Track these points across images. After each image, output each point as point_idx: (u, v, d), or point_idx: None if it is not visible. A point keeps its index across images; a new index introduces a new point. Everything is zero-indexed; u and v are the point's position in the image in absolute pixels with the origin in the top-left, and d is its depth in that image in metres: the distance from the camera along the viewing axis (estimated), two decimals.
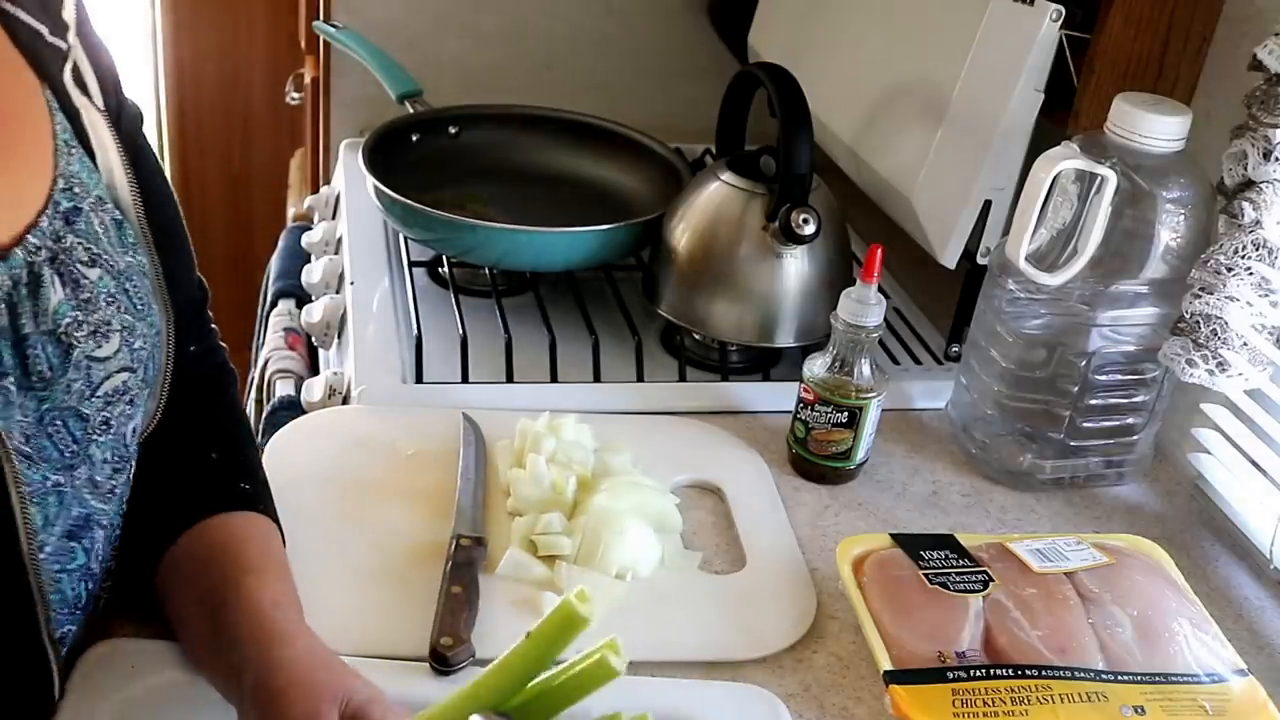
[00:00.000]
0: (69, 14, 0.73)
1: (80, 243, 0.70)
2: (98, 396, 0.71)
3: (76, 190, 0.71)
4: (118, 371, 0.72)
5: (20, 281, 0.66)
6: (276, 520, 0.82)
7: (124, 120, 0.78)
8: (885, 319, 1.01)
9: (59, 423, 0.69)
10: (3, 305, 0.65)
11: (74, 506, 0.71)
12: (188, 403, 0.82)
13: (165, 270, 0.78)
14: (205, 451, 0.83)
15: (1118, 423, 1.04)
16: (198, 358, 0.86)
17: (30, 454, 0.66)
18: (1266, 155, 0.89)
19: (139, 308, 0.74)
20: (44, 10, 0.72)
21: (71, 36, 0.73)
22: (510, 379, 1.12)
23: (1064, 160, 0.94)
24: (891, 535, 0.92)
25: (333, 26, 1.47)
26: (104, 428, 0.71)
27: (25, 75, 0.70)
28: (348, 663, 0.72)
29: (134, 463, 0.78)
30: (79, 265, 0.69)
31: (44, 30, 0.71)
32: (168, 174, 2.52)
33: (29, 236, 0.67)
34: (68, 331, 0.68)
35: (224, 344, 0.91)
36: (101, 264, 0.71)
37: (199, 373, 0.86)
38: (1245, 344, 0.94)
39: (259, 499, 0.82)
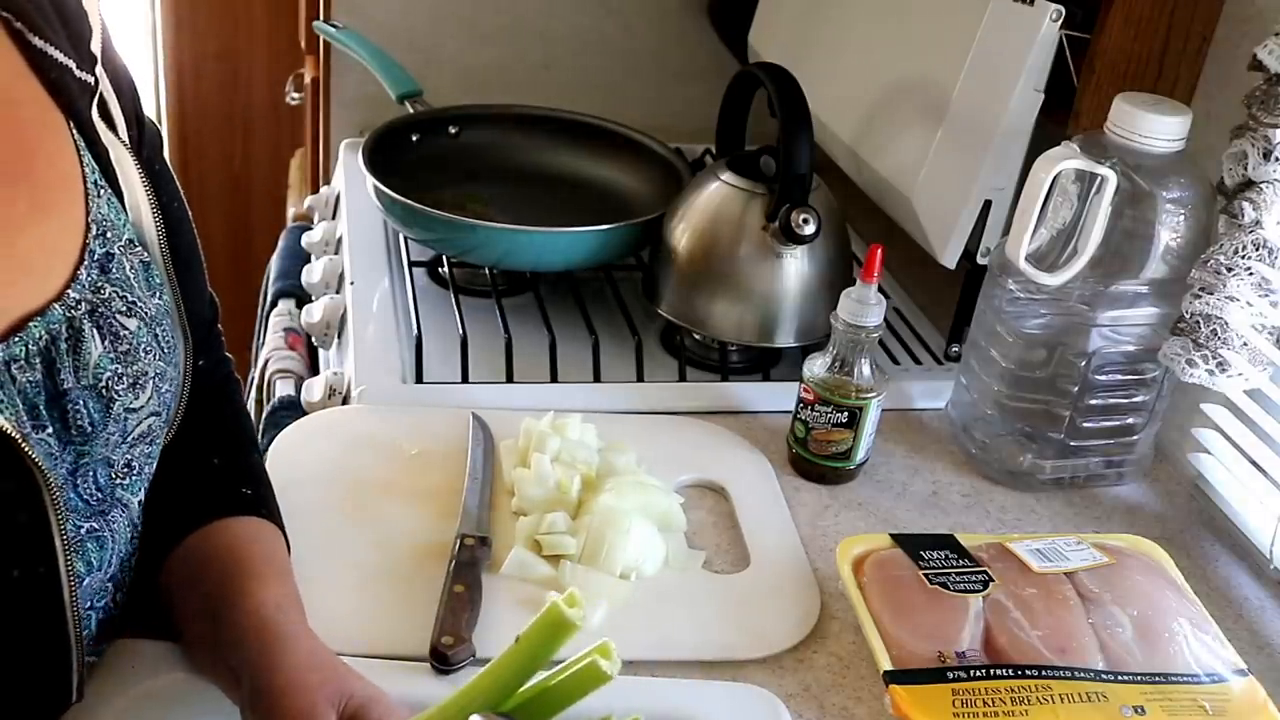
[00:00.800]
0: (96, 45, 0.70)
1: (116, 292, 0.68)
2: (126, 443, 0.70)
3: (109, 235, 0.69)
4: (147, 417, 0.71)
5: (59, 337, 0.64)
6: (280, 525, 0.81)
7: (145, 145, 0.76)
8: (885, 319, 1.01)
9: (89, 472, 0.68)
10: (38, 360, 0.63)
11: (123, 549, 0.71)
12: (193, 414, 0.81)
13: (186, 295, 0.77)
14: (208, 457, 0.82)
15: (1118, 423, 1.04)
16: (207, 371, 0.84)
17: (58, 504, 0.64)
18: (1266, 155, 0.89)
19: (167, 351, 0.72)
20: (73, 44, 0.68)
21: (99, 69, 0.70)
22: (510, 379, 1.12)
23: (1064, 160, 0.94)
24: (891, 535, 0.92)
25: (333, 26, 1.47)
26: (127, 470, 0.71)
27: (52, 115, 0.67)
28: (349, 662, 0.72)
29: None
30: (118, 316, 0.68)
31: (72, 65, 0.68)
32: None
33: (69, 291, 0.65)
34: (109, 385, 0.67)
35: (230, 355, 0.91)
36: (137, 313, 0.69)
37: (208, 385, 0.85)
38: (1245, 344, 0.94)
39: (262, 504, 0.81)
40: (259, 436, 1.22)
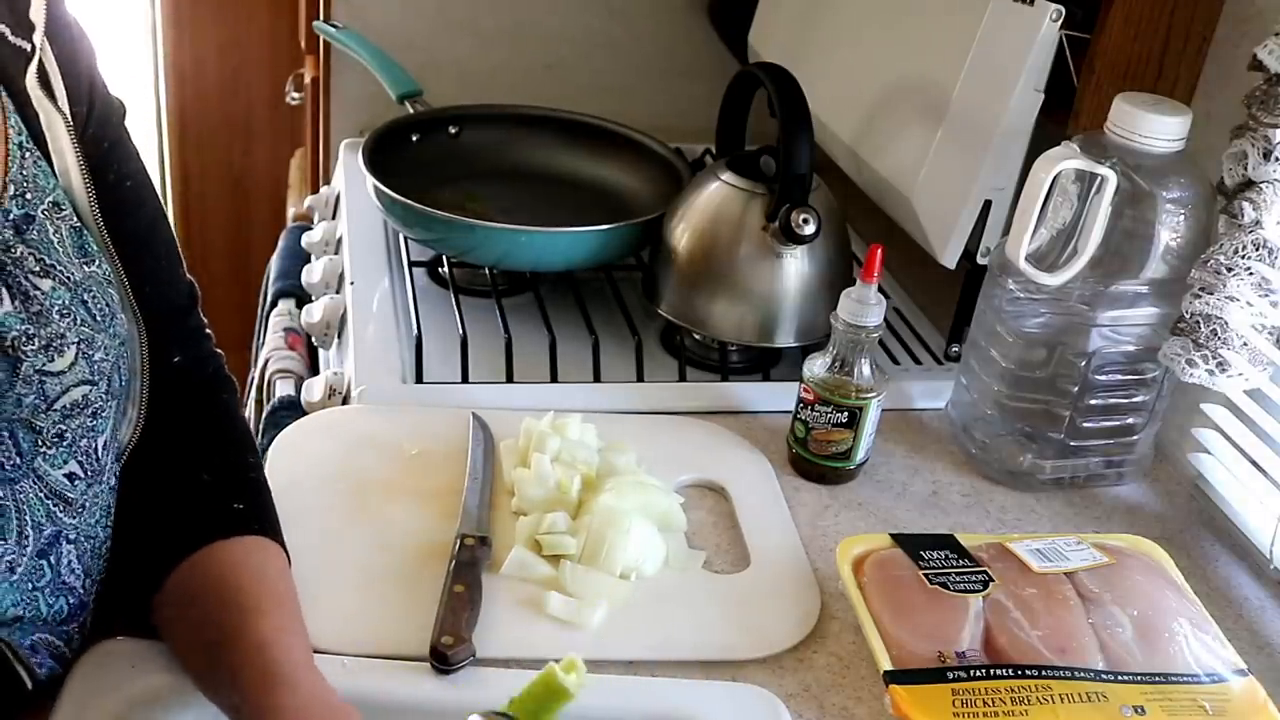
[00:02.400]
0: (37, 14, 0.70)
1: (32, 253, 0.67)
2: (54, 410, 0.68)
3: (29, 196, 0.68)
4: (75, 385, 0.69)
5: None
6: (277, 536, 0.79)
7: (94, 121, 0.75)
8: (885, 319, 1.01)
9: (4, 435, 0.67)
10: None
11: (38, 522, 0.69)
12: (179, 417, 0.80)
13: (136, 277, 0.76)
14: (197, 472, 0.80)
15: (1118, 423, 1.04)
16: (187, 368, 0.83)
17: None
18: (1266, 155, 0.89)
19: (99, 319, 0.71)
20: (9, 9, 0.69)
21: (38, 37, 0.70)
22: (510, 379, 1.12)
23: (1064, 160, 0.94)
24: (891, 535, 0.92)
25: (333, 26, 1.47)
26: (57, 440, 0.69)
27: None
28: (349, 662, 0.71)
29: (113, 475, 0.76)
30: (30, 276, 0.67)
31: (5, 30, 0.69)
32: (167, 175, 2.50)
33: None
34: (15, 345, 0.66)
35: (220, 350, 0.89)
36: (55, 275, 0.68)
37: (191, 384, 0.83)
38: (1245, 344, 0.94)
39: (255, 519, 0.79)
40: (259, 437, 1.22)
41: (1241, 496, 1.01)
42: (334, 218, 1.46)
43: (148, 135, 2.52)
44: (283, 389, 1.30)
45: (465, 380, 1.11)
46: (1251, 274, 0.92)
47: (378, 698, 0.75)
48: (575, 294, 1.23)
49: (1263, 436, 0.99)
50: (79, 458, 0.72)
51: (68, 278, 0.69)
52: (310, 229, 1.47)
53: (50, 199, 0.70)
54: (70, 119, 0.72)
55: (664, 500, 0.95)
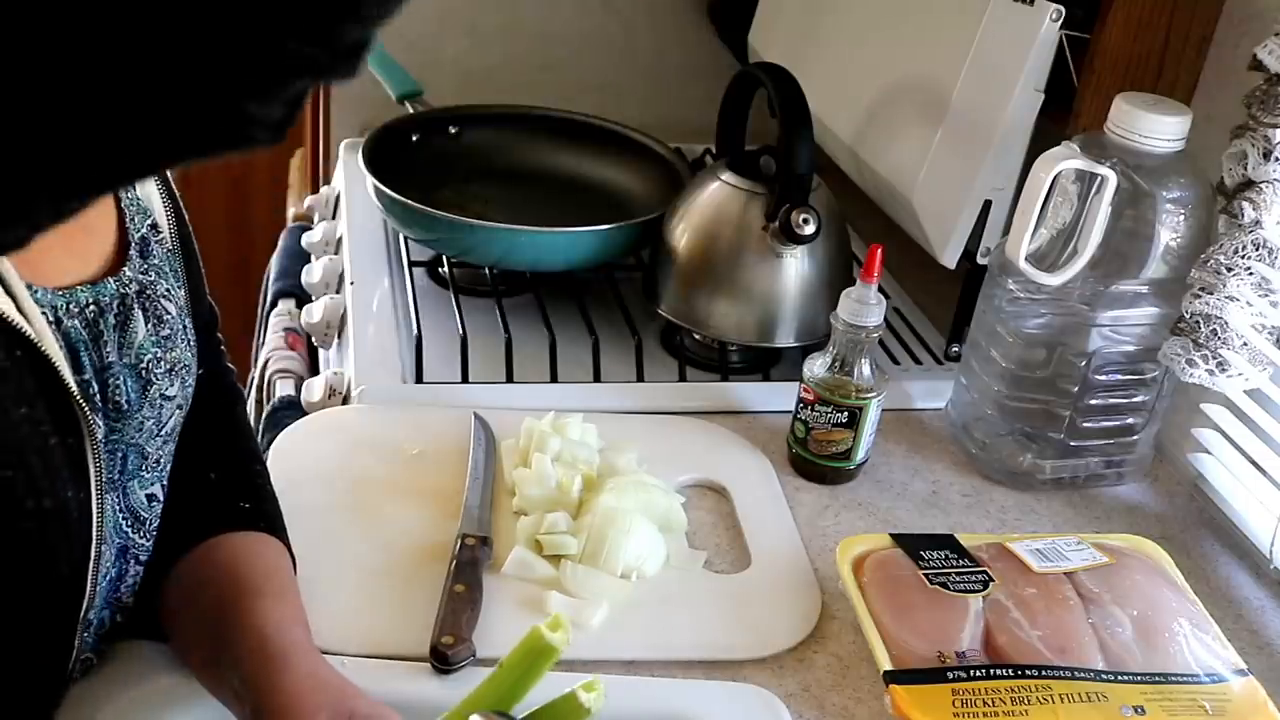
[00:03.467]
0: None
1: (158, 276, 0.68)
2: (161, 434, 0.69)
3: (138, 219, 0.69)
4: (177, 409, 0.70)
5: (109, 310, 0.65)
6: (284, 539, 0.80)
7: None
8: (885, 319, 1.01)
9: (119, 457, 0.68)
10: (85, 331, 0.64)
11: (114, 536, 0.70)
12: (191, 425, 0.80)
13: (190, 297, 0.76)
14: (205, 471, 0.80)
15: (1118, 423, 1.04)
16: (205, 380, 0.83)
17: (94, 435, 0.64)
18: (1266, 155, 0.89)
19: (192, 342, 0.72)
20: None
21: None
22: (510, 379, 1.12)
23: (1064, 160, 0.94)
24: (891, 535, 0.93)
25: None
26: (155, 465, 0.71)
27: None
28: (350, 662, 0.71)
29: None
30: (161, 300, 0.68)
31: None
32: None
33: (124, 269, 0.66)
34: (149, 367, 0.67)
35: (232, 365, 0.90)
36: (174, 299, 0.69)
37: (207, 394, 0.83)
38: (1245, 344, 0.94)
39: (261, 517, 0.79)
40: (259, 437, 1.22)
41: (1241, 496, 1.01)
42: (334, 218, 1.46)
43: None
44: (283, 389, 1.30)
45: (465, 380, 1.11)
46: (1251, 274, 0.92)
47: (378, 697, 0.75)
48: (575, 294, 1.23)
49: (1263, 436, 0.99)
50: (163, 481, 0.73)
51: (178, 302, 0.70)
52: (310, 229, 1.47)
53: (150, 219, 0.71)
54: None
55: (665, 500, 0.95)
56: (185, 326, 0.71)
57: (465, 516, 0.92)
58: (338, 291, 1.30)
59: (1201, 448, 1.06)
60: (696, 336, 1.19)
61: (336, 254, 1.37)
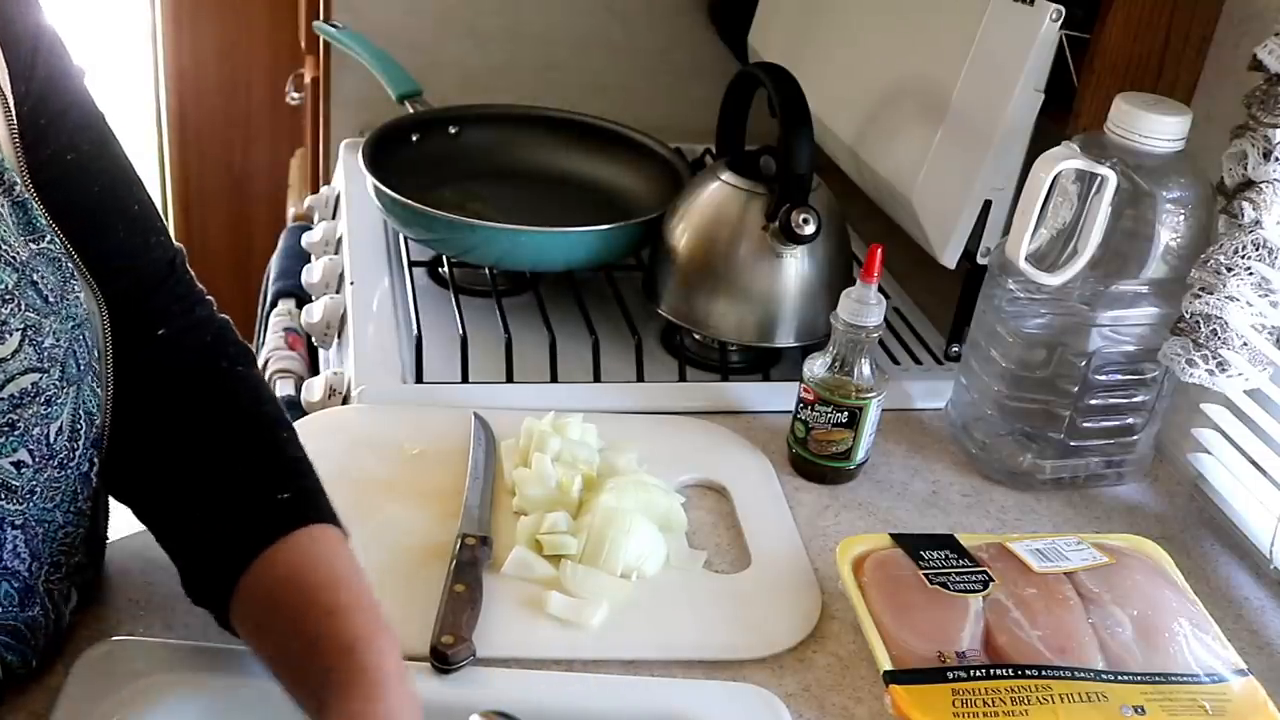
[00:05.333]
0: None
1: None
2: (2, 400, 0.66)
3: None
4: (23, 373, 0.67)
5: None
6: (331, 517, 0.75)
7: (34, 93, 0.72)
8: (885, 319, 1.01)
9: None
10: None
11: None
12: (190, 398, 0.77)
13: (96, 252, 0.72)
14: (233, 465, 0.76)
15: (1118, 423, 1.04)
16: (177, 339, 0.79)
17: None
18: (1266, 155, 0.89)
19: (50, 300, 0.68)
20: None
21: None
22: (510, 379, 1.12)
23: (1064, 160, 0.94)
24: (891, 535, 0.93)
25: (333, 26, 1.47)
26: (9, 429, 0.67)
27: None
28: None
29: (86, 460, 0.73)
30: None
31: None
32: (167, 175, 2.49)
33: None
34: None
35: (225, 315, 0.83)
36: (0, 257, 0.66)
37: (189, 357, 0.79)
38: (1245, 344, 0.94)
39: (305, 506, 0.75)
40: None
41: (1241, 496, 1.01)
42: (334, 218, 1.46)
43: (148, 135, 2.53)
44: (283, 389, 1.30)
45: (465, 380, 1.11)
46: (1251, 274, 0.92)
47: None
48: (575, 294, 1.23)
49: (1263, 436, 0.99)
50: (30, 445, 0.69)
51: (13, 258, 0.67)
52: (310, 229, 1.47)
53: None
54: (7, 93, 0.70)
55: (665, 500, 0.95)
56: (35, 283, 0.67)
57: (465, 516, 0.92)
58: (338, 291, 1.30)
59: (1201, 448, 1.06)
60: (696, 336, 1.19)
61: (336, 254, 1.37)
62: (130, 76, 2.50)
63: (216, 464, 0.76)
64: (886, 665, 0.81)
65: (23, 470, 0.69)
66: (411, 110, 1.36)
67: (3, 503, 0.69)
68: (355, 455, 0.99)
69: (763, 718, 0.79)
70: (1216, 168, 0.94)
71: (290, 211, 1.97)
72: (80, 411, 0.72)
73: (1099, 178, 0.94)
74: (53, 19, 0.75)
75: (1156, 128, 0.94)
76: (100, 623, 0.81)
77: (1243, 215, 0.91)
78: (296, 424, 0.98)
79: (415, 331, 1.13)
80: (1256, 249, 0.91)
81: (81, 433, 0.73)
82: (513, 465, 0.98)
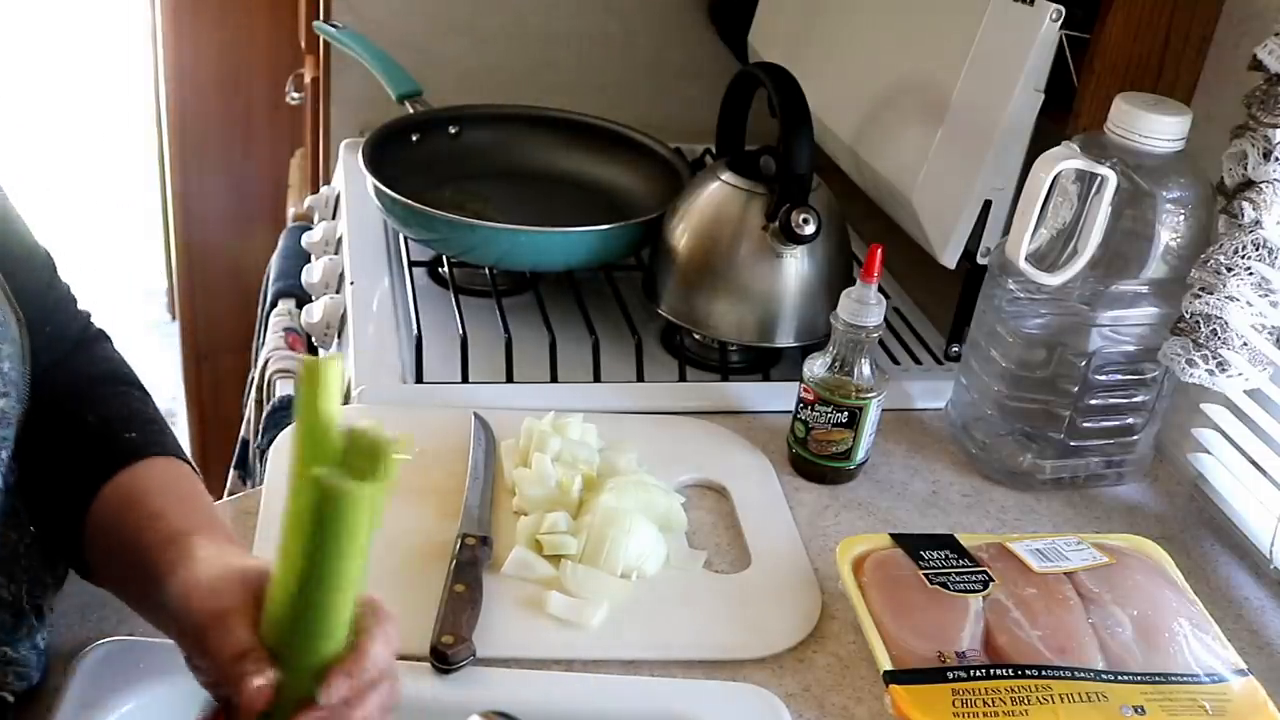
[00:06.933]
0: None
1: None
2: None
3: None
4: None
5: None
6: (180, 456, 0.77)
7: None
8: (885, 319, 1.01)
9: None
10: None
11: None
12: (59, 379, 0.78)
13: (5, 269, 0.73)
14: (83, 418, 0.78)
15: (1118, 423, 1.04)
16: (58, 335, 0.81)
17: None
18: (1266, 155, 0.89)
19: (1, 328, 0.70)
20: None
21: None
22: (510, 379, 1.12)
23: (1064, 160, 0.94)
24: (891, 535, 0.93)
25: (333, 26, 1.47)
26: None
27: None
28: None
29: (9, 475, 0.73)
30: None
31: None
32: (167, 175, 2.50)
33: None
34: None
35: (85, 309, 0.85)
36: None
37: (64, 347, 0.81)
38: (1245, 344, 0.94)
39: (152, 444, 0.77)
40: (258, 437, 1.22)
41: (1241, 496, 1.01)
42: (334, 218, 1.46)
43: (148, 135, 2.53)
44: (283, 389, 1.30)
45: (465, 380, 1.11)
46: (1251, 274, 0.92)
47: None
48: (575, 294, 1.23)
49: (1263, 436, 0.99)
50: (1, 469, 0.70)
51: None
52: (310, 229, 1.47)
53: None
54: None
55: (665, 500, 0.95)
56: None
57: (465, 516, 0.92)
58: (338, 291, 1.30)
59: (1201, 448, 1.06)
60: (696, 336, 1.19)
61: (336, 254, 1.37)
62: (130, 76, 2.50)
63: (71, 419, 0.77)
64: (886, 665, 0.81)
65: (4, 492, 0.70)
66: (411, 110, 1.36)
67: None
68: None
69: (763, 718, 0.79)
70: (1216, 168, 0.94)
71: (290, 211, 1.97)
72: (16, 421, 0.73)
73: (1099, 178, 0.94)
74: None
75: (1156, 128, 0.94)
76: (100, 623, 0.81)
77: (1243, 215, 0.91)
78: (296, 424, 0.98)
79: (415, 331, 1.13)
80: (1256, 249, 0.91)
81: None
82: (513, 465, 0.98)
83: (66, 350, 0.81)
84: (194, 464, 0.78)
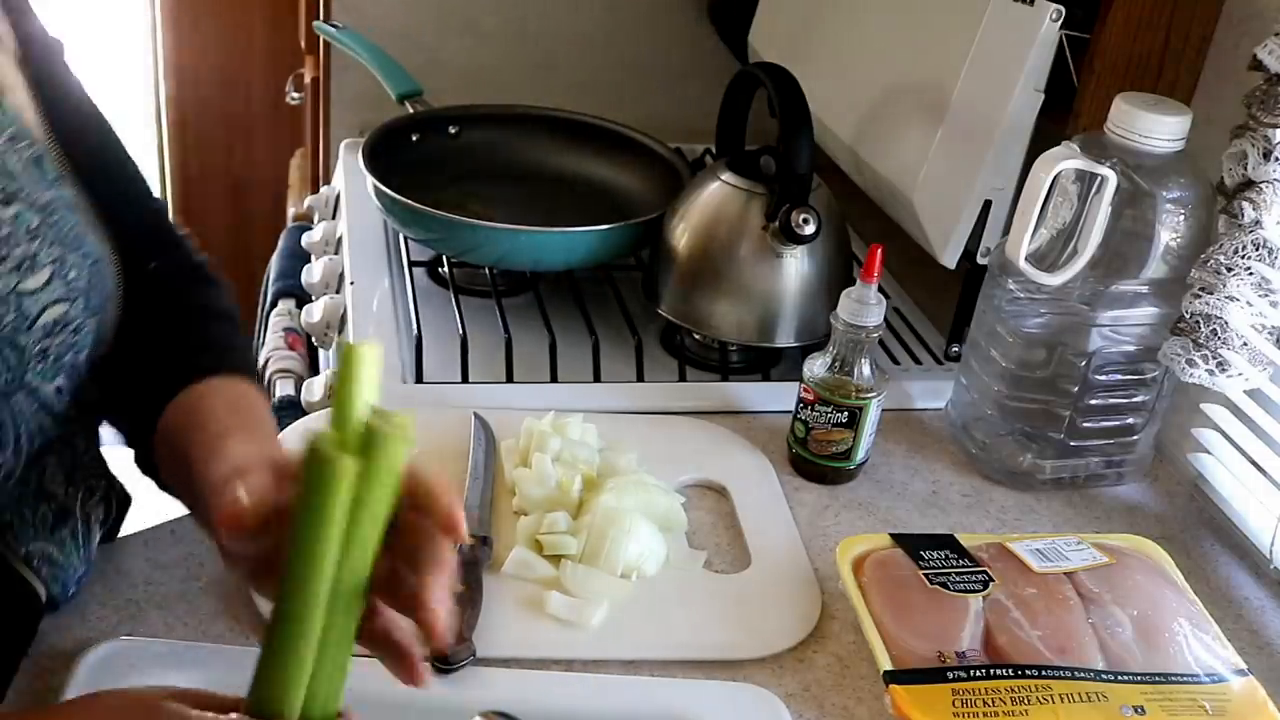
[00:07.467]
0: None
1: None
2: (36, 328, 0.73)
3: None
4: (53, 304, 0.73)
5: None
6: (241, 368, 0.81)
7: (34, 57, 0.79)
8: (885, 319, 1.01)
9: None
10: None
11: (31, 433, 0.74)
12: (157, 310, 0.83)
13: (101, 198, 0.79)
14: (167, 343, 0.83)
15: (1118, 423, 1.04)
16: (165, 272, 0.86)
17: None
18: (1266, 155, 0.89)
19: (69, 240, 0.75)
20: None
21: None
22: (510, 379, 1.12)
23: (1064, 160, 0.94)
24: (891, 535, 0.93)
25: (333, 26, 1.47)
26: (42, 356, 0.73)
27: None
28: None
29: (87, 390, 0.79)
30: None
31: None
32: (167, 175, 2.51)
33: None
34: None
35: (205, 257, 0.91)
36: (19, 200, 0.73)
37: (170, 284, 0.86)
38: (1245, 344, 0.94)
39: (223, 363, 0.81)
40: None
41: (1241, 496, 1.01)
42: (334, 218, 1.46)
43: (148, 135, 2.53)
44: (283, 389, 1.30)
45: (465, 380, 1.11)
46: (1251, 274, 0.92)
47: (378, 697, 0.75)
48: (575, 294, 1.23)
49: (1263, 436, 0.99)
50: (65, 373, 0.76)
51: (33, 201, 0.73)
52: (310, 229, 1.47)
53: (8, 133, 0.74)
54: (17, 62, 0.77)
55: (665, 500, 0.95)
56: (56, 224, 0.74)
57: (465, 516, 0.92)
58: (338, 291, 1.30)
59: (1201, 448, 1.06)
60: (696, 336, 1.19)
61: (336, 254, 1.37)
62: (130, 76, 2.50)
63: (157, 345, 0.83)
64: (886, 665, 0.81)
65: (61, 396, 0.76)
66: (411, 110, 1.36)
67: (46, 428, 0.76)
68: None
69: (763, 718, 0.79)
70: (1216, 168, 0.94)
71: (290, 211, 1.97)
72: (99, 341, 0.79)
73: (1099, 178, 0.94)
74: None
75: (1156, 128, 0.94)
76: (100, 623, 0.81)
77: (1243, 215, 0.91)
78: (296, 424, 1.00)
79: (415, 331, 1.13)
80: (1256, 249, 0.91)
81: (94, 360, 0.79)
82: (513, 465, 0.98)
83: (174, 286, 0.86)
84: (259, 381, 0.82)
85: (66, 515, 0.81)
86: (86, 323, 0.76)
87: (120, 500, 0.90)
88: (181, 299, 0.87)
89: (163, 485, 0.80)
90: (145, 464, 0.80)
